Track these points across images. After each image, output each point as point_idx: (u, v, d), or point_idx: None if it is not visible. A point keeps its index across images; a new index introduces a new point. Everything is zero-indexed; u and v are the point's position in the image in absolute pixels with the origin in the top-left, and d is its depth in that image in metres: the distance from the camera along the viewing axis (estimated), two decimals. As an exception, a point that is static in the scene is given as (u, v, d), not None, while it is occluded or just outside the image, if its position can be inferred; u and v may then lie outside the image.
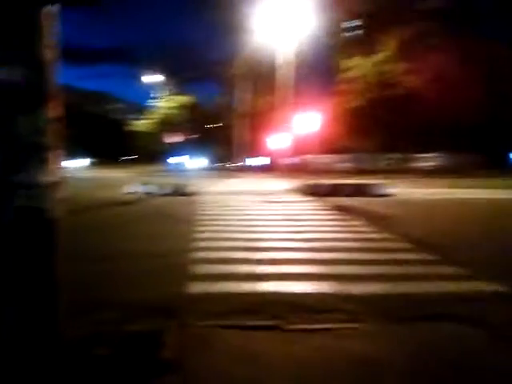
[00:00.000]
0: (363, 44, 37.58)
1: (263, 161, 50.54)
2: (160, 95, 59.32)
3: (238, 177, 32.12)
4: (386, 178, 20.85)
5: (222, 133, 58.46)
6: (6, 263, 2.23)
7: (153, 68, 53.75)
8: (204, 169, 50.66)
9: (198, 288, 4.78)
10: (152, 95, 62.14)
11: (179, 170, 43.44)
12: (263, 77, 41.99)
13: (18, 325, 2.25)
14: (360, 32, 41.24)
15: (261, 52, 37.21)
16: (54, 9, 2.37)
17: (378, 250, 6.86)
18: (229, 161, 54.40)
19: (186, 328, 3.43)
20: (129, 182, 18.10)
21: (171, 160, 56.65)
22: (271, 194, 17.20)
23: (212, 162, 60.11)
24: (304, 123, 27.65)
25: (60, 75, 2.50)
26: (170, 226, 9.30)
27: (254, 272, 5.47)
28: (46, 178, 2.34)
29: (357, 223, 9.59)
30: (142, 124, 61.23)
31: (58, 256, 2.41)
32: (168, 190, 16.51)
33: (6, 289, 2.25)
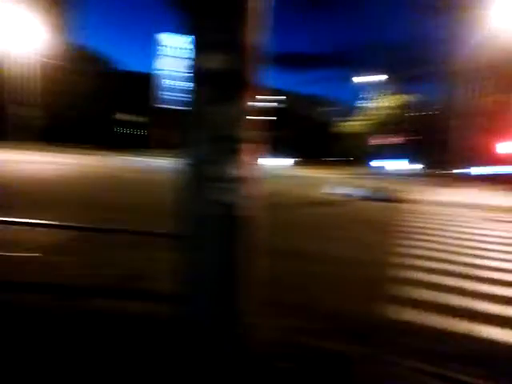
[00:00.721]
0: None
1: (488, 169, 43.00)
2: (373, 96, 58.26)
3: (455, 186, 28.14)
4: None
5: (436, 135, 52.83)
6: (197, 255, 2.24)
7: (369, 69, 53.24)
8: (413, 174, 46.89)
9: (398, 314, 4.15)
10: (364, 96, 61.65)
11: (383, 173, 41.58)
12: (494, 73, 35.50)
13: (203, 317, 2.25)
14: None
15: (495, 45, 31.44)
16: None
17: None
18: (444, 167, 48.59)
19: (379, 364, 2.93)
20: (330, 182, 18.28)
21: (375, 163, 54.97)
22: (498, 211, 14.21)
23: (424, 167, 55.14)
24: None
25: (267, 68, 2.31)
26: (370, 233, 8.73)
27: (470, 308, 4.41)
28: (240, 172, 2.18)
29: None
30: (351, 125, 61.62)
31: (249, 253, 2.28)
32: (369, 194, 15.83)
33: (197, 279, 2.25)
